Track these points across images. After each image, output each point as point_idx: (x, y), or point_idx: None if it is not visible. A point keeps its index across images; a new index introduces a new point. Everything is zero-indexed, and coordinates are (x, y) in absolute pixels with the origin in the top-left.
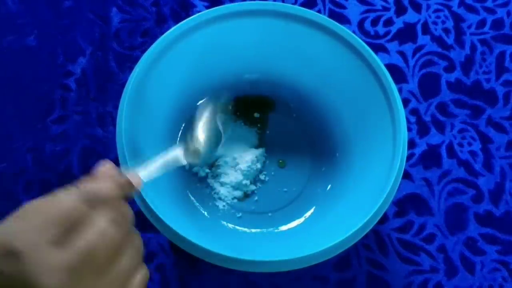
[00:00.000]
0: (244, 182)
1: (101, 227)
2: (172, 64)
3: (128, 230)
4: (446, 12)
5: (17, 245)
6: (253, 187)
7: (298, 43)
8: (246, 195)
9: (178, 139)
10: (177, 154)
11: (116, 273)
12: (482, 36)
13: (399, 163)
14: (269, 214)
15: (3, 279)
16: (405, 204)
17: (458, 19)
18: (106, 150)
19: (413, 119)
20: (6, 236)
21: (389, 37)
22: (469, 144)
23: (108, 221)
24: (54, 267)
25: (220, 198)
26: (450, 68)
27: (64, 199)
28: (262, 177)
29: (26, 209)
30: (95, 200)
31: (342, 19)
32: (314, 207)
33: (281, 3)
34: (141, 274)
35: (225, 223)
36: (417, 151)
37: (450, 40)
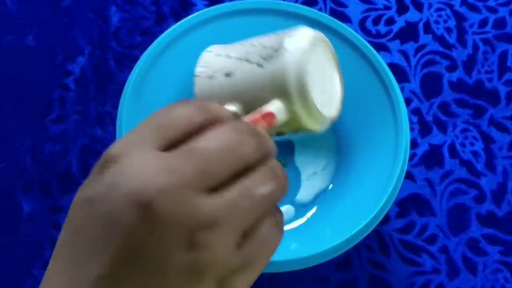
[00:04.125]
0: None
1: (221, 135)
2: (171, 63)
3: (262, 151)
4: (448, 11)
5: (115, 151)
6: None
7: None
8: None
9: None
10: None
11: (239, 195)
12: (484, 36)
13: (401, 164)
14: None
15: (104, 189)
16: (407, 204)
17: (460, 18)
18: (106, 149)
19: (415, 119)
20: (109, 148)
21: (390, 36)
22: (471, 144)
23: (232, 130)
24: (154, 168)
25: None
26: (452, 68)
27: (179, 108)
28: None
29: (140, 123)
30: (216, 114)
31: (343, 18)
32: (315, 207)
33: (282, 1)
34: (276, 216)
35: None
36: (419, 151)
37: (452, 39)
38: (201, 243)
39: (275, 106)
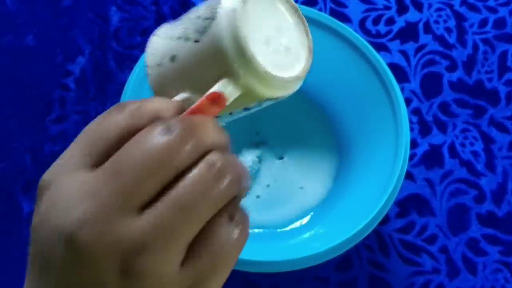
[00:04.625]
0: None
1: (145, 144)
2: None
3: (199, 150)
4: (448, 11)
5: (46, 177)
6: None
7: None
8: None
9: None
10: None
11: (167, 209)
12: (484, 36)
13: (401, 163)
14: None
15: (39, 221)
16: (407, 204)
17: (460, 18)
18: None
19: (415, 119)
20: (44, 174)
21: (390, 36)
22: (471, 144)
23: (160, 134)
24: (76, 195)
25: None
26: (452, 68)
27: (109, 116)
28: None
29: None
30: (152, 115)
31: (343, 18)
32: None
33: None
34: (238, 229)
35: None
36: (419, 151)
37: (452, 39)
38: (135, 270)
39: (219, 84)
